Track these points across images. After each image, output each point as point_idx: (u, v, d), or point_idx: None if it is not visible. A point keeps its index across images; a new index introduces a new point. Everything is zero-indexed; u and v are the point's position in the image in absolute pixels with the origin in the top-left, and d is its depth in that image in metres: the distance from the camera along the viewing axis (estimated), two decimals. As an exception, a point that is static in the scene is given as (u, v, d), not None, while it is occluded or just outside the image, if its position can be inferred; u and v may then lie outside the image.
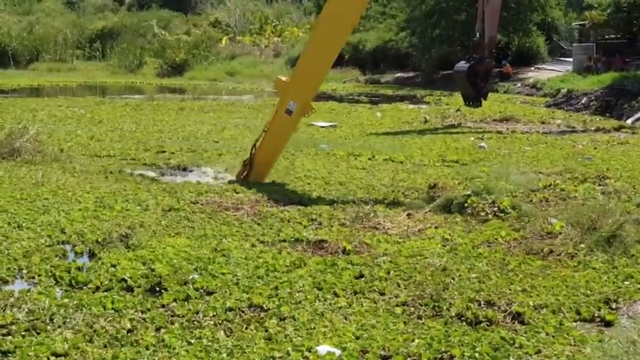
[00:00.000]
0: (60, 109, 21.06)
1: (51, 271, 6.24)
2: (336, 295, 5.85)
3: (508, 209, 8.49)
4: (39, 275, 6.19)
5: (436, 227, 8.09)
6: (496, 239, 7.60)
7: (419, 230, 8.00)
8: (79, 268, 6.34)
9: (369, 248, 7.27)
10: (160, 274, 6.09)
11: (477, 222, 8.28)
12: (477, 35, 19.27)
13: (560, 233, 7.51)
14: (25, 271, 6.29)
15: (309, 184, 10.64)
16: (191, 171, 11.93)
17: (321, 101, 27.06)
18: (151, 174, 11.30)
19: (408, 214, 8.59)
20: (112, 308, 5.45)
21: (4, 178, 10.13)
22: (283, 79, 10.82)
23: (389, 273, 6.41)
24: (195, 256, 6.72)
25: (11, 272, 6.24)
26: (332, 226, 8.10)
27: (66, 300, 5.57)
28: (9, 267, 6.33)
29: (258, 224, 8.12)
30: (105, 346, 4.81)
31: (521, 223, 8.10)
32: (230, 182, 10.62)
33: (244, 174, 10.68)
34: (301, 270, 6.45)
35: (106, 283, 5.99)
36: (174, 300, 5.65)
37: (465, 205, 8.69)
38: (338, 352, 4.79)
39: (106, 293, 5.76)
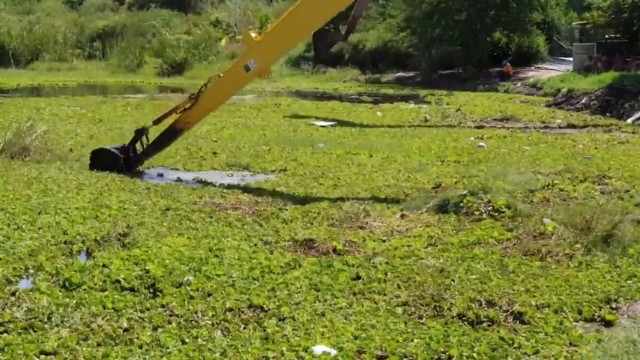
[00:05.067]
0: (61, 109, 21.04)
1: (54, 271, 6.17)
2: (334, 296, 5.79)
3: (503, 209, 8.35)
4: (44, 273, 6.13)
5: (427, 226, 7.99)
6: (485, 239, 7.45)
7: (406, 229, 7.90)
8: (76, 270, 6.26)
9: (357, 247, 7.17)
10: (154, 276, 6.01)
11: (469, 221, 8.16)
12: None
13: (553, 234, 7.42)
14: (30, 271, 6.25)
15: (311, 183, 10.60)
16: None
17: (323, 101, 27.08)
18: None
19: (402, 215, 8.52)
20: (112, 307, 5.41)
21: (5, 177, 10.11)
22: (253, 35, 10.76)
23: (386, 274, 6.31)
24: (188, 256, 6.61)
25: (17, 272, 6.18)
26: (320, 225, 8.04)
27: (67, 299, 5.52)
28: (15, 266, 6.27)
29: (260, 225, 8.05)
30: (98, 345, 4.77)
31: (514, 223, 7.96)
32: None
33: (186, 108, 10.81)
34: (296, 271, 6.34)
35: (100, 284, 5.89)
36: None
37: (461, 204, 8.60)
38: (334, 352, 4.74)
39: (106, 292, 5.71)
